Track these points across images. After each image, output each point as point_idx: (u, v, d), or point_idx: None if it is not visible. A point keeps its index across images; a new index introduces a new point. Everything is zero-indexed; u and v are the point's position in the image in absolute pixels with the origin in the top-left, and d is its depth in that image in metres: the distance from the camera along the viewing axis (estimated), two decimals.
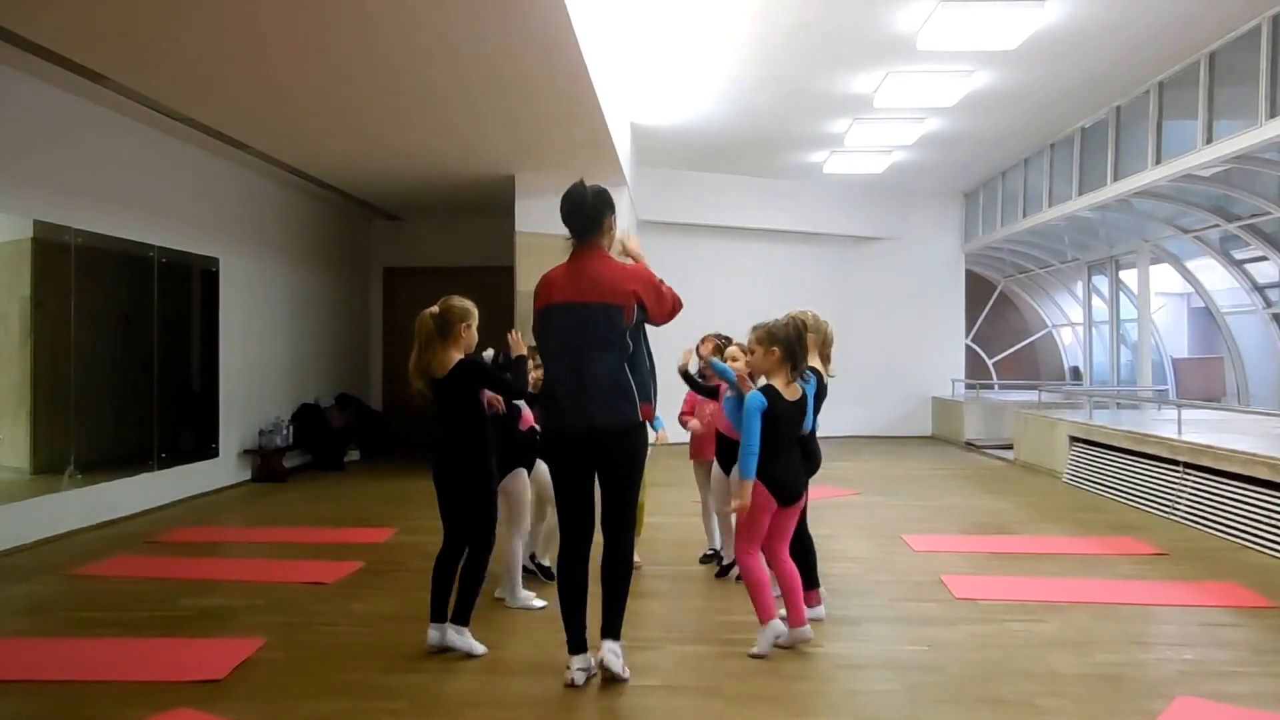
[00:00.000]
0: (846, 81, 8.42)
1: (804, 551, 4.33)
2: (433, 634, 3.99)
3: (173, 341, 8.02)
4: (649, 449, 3.84)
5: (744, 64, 7.97)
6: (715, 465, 5.05)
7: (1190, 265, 11.36)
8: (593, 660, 3.65)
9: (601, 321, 3.56)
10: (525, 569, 4.91)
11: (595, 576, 3.66)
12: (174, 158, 7.86)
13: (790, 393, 3.97)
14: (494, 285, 9.46)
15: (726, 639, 4.15)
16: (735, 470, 4.74)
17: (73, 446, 6.63)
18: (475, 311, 4.03)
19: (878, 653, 4.02)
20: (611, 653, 3.60)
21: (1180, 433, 7.46)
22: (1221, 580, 5.21)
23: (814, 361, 4.28)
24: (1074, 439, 9.06)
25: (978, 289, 14.85)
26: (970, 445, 12.13)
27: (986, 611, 4.62)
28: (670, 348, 5.08)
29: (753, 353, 4.06)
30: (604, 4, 6.41)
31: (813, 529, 4.50)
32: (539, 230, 8.81)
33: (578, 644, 3.65)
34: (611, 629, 3.64)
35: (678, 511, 6.76)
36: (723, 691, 3.56)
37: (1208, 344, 13.43)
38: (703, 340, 5.29)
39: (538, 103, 6.80)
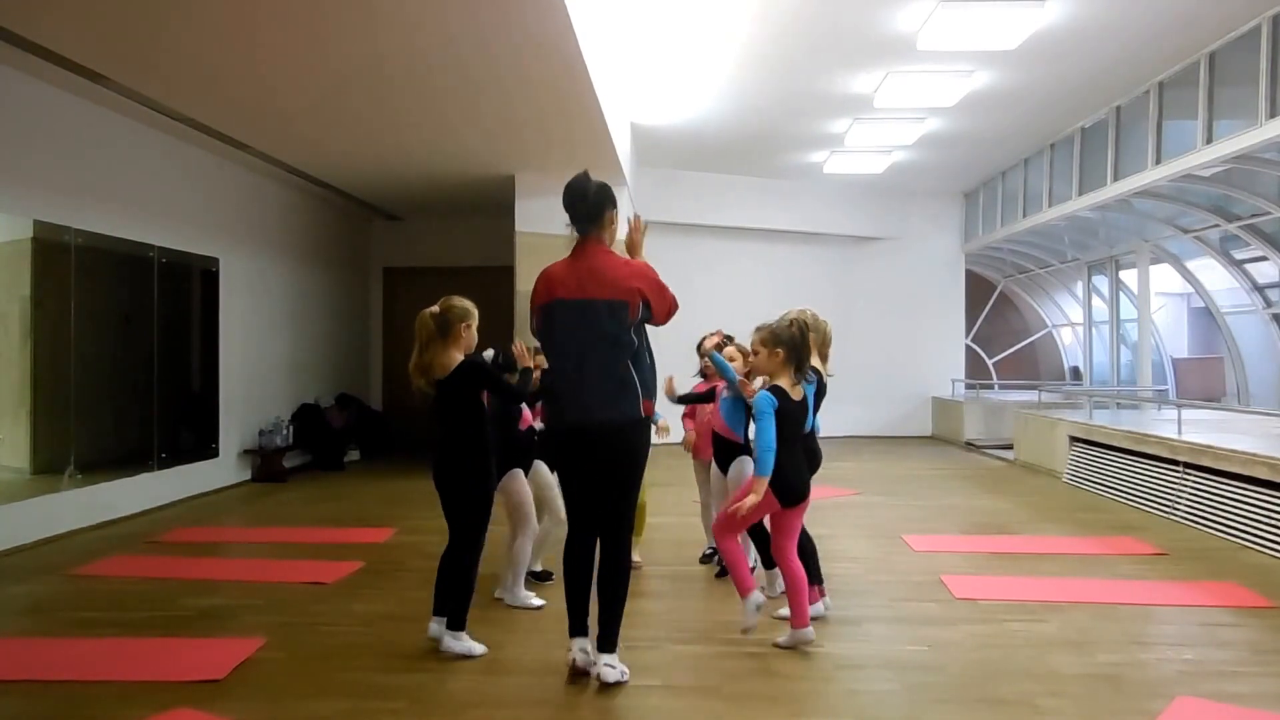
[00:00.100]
0: (846, 81, 8.42)
1: (805, 549, 4.34)
2: (434, 626, 4.04)
3: (173, 341, 8.02)
4: (651, 446, 3.83)
5: (744, 64, 7.97)
6: (714, 466, 5.05)
7: (1190, 265, 11.36)
8: (590, 647, 3.64)
9: (607, 318, 3.55)
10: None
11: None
12: (174, 158, 7.86)
13: (794, 393, 3.99)
14: (494, 285, 9.48)
15: (726, 639, 4.16)
16: (735, 467, 4.77)
17: (73, 446, 6.63)
18: (475, 312, 4.03)
19: (878, 653, 4.02)
20: (608, 665, 3.57)
21: (1180, 433, 7.46)
22: (1221, 580, 5.21)
23: (813, 361, 4.28)
24: (1074, 439, 9.06)
25: (978, 289, 14.84)
26: (970, 445, 12.13)
27: (986, 611, 4.62)
28: (670, 348, 5.08)
29: (756, 354, 4.07)
30: (604, 4, 6.41)
31: (813, 529, 4.49)
32: (539, 230, 8.82)
33: (579, 627, 3.65)
34: (608, 643, 3.60)
35: (678, 511, 6.76)
36: (722, 691, 3.56)
37: (1208, 344, 13.43)
38: (705, 337, 5.29)
39: (538, 103, 6.81)
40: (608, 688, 3.56)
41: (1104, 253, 12.17)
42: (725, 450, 4.87)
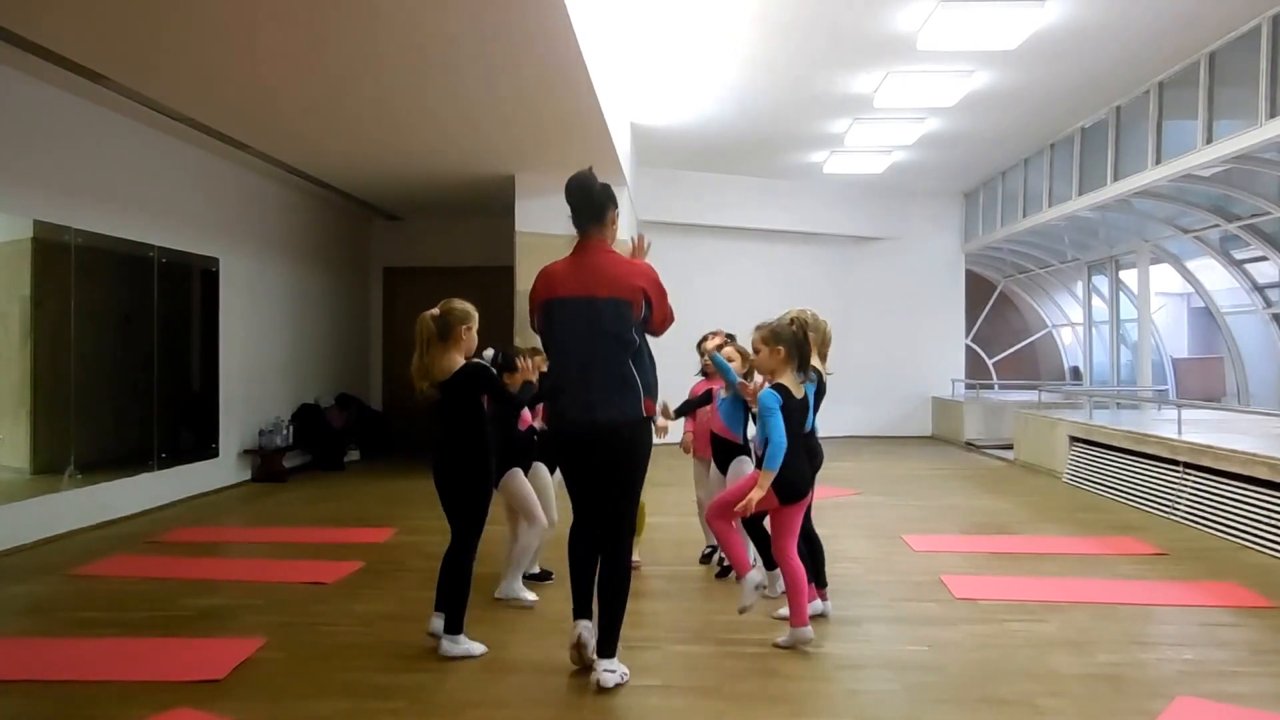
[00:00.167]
0: (846, 81, 8.42)
1: (811, 551, 4.34)
2: (435, 622, 4.03)
3: (173, 341, 8.02)
4: (652, 445, 3.83)
5: (744, 64, 7.97)
6: (713, 466, 5.06)
7: (1190, 265, 11.36)
8: (591, 640, 3.63)
9: (609, 316, 3.54)
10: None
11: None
12: (174, 158, 7.86)
13: (796, 391, 4.00)
14: (494, 285, 9.47)
15: (726, 639, 4.15)
16: (734, 467, 4.78)
17: (73, 446, 6.62)
18: (475, 314, 4.03)
19: (878, 653, 4.02)
20: (607, 671, 3.54)
21: (1180, 433, 7.46)
22: (1221, 580, 5.21)
23: (813, 361, 4.29)
24: (1074, 439, 9.06)
25: (978, 289, 14.85)
26: (970, 445, 12.13)
27: (986, 611, 4.62)
28: (671, 348, 5.07)
29: (758, 352, 4.07)
30: (604, 4, 6.41)
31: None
32: (539, 230, 8.81)
33: (583, 610, 3.65)
34: (607, 648, 3.58)
35: (678, 511, 6.76)
36: (722, 691, 3.56)
37: (1208, 344, 13.44)
38: (706, 337, 5.29)
39: (538, 103, 6.80)
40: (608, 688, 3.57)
41: (1104, 253, 12.17)
42: (724, 450, 4.89)
